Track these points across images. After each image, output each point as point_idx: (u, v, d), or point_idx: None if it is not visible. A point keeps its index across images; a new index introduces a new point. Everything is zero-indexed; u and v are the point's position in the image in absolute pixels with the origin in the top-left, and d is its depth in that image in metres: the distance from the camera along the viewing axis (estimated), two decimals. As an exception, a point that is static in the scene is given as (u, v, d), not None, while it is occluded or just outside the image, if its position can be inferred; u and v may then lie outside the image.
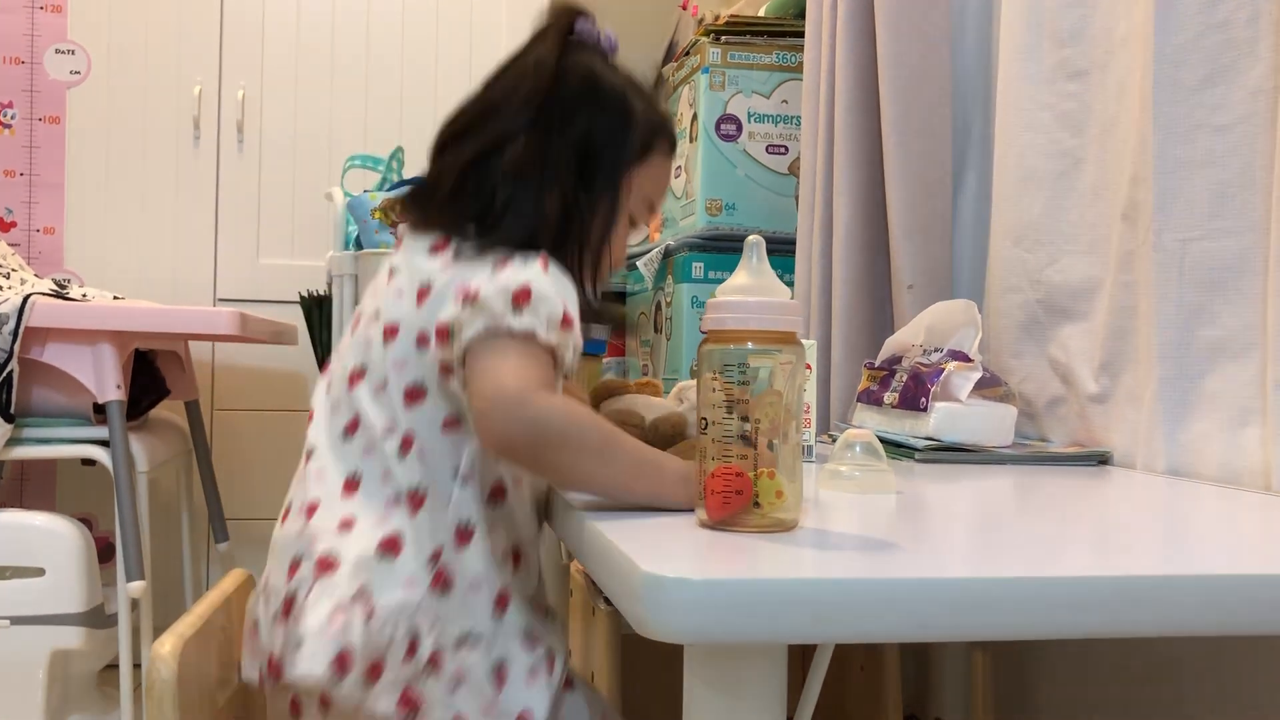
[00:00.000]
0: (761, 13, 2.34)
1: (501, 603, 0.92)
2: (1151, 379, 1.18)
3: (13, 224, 2.45)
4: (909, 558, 0.66)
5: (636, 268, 2.37)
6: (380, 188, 2.15)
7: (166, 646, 0.78)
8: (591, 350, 2.14)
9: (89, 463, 2.41)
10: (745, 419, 0.72)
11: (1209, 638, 1.04)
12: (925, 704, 1.32)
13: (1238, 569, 0.65)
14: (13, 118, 2.45)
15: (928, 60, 1.62)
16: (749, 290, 0.74)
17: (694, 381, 1.04)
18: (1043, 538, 0.77)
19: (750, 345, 0.73)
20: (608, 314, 1.08)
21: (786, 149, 2.18)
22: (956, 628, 0.60)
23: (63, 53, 2.47)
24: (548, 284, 0.86)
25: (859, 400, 1.46)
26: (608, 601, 1.23)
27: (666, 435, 0.95)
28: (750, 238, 0.76)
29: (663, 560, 0.59)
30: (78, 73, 2.48)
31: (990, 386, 1.31)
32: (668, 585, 0.56)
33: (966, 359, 1.31)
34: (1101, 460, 1.26)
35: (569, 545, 0.84)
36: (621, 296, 2.72)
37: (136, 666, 2.11)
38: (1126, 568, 0.65)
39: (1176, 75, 1.15)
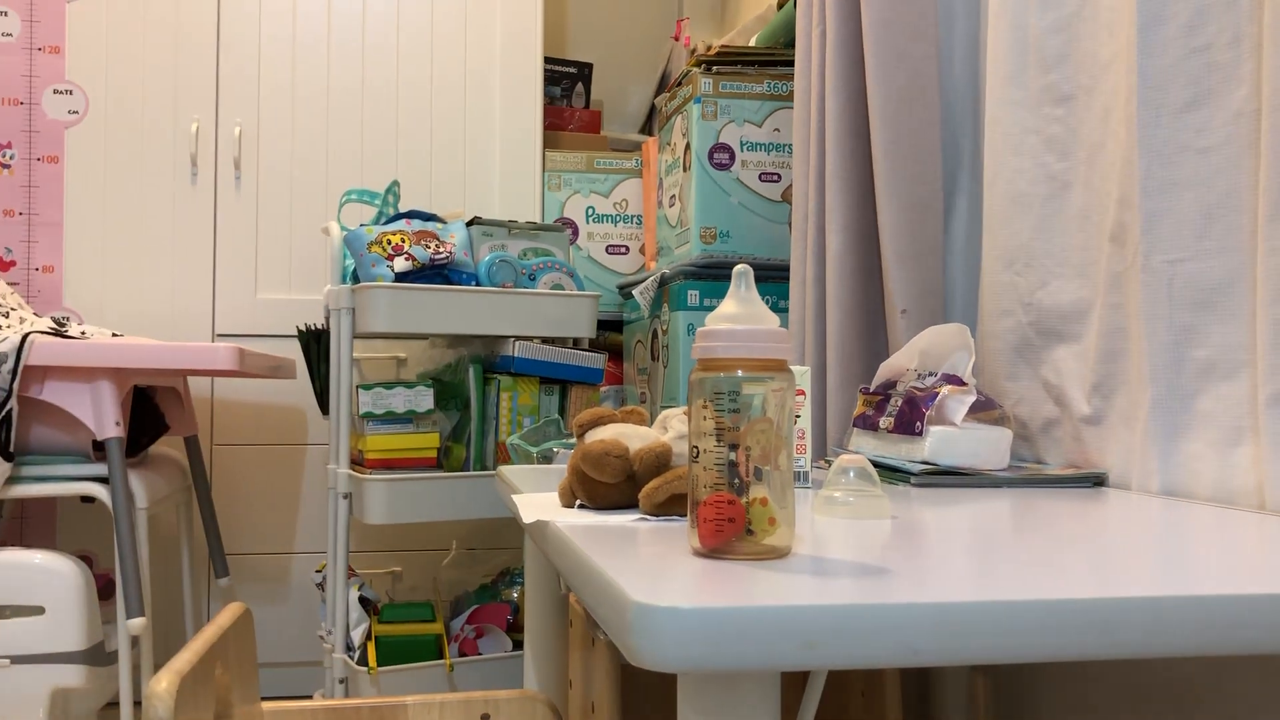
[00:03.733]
0: (752, 43, 2.37)
1: None
2: (1144, 400, 1.18)
3: (12, 263, 2.46)
4: (902, 582, 0.67)
5: (633, 296, 2.38)
6: (377, 221, 2.17)
7: (163, 683, 0.78)
8: (588, 378, 2.15)
9: (89, 500, 2.42)
10: (736, 446, 0.72)
11: (1209, 658, 1.04)
12: (927, 729, 1.32)
13: (1234, 589, 0.65)
14: (12, 158, 2.46)
15: (916, 86, 1.63)
16: (738, 319, 0.74)
17: (678, 410, 1.04)
18: (1038, 560, 0.77)
19: (740, 373, 0.73)
20: None
21: (779, 176, 2.20)
22: (950, 652, 0.60)
23: (61, 93, 2.49)
24: None
25: (854, 425, 1.46)
26: (606, 632, 1.23)
27: (651, 465, 0.95)
28: (738, 267, 0.76)
29: (654, 589, 0.60)
30: (76, 113, 2.50)
31: (985, 410, 1.32)
32: (659, 614, 0.56)
33: (961, 383, 1.32)
34: (1097, 482, 1.26)
35: (563, 575, 0.85)
36: (618, 325, 2.73)
37: (137, 704, 2.11)
38: (1122, 589, 0.65)
39: (1160, 98, 1.16)
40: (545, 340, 2.12)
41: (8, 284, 2.37)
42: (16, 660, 1.79)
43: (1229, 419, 1.11)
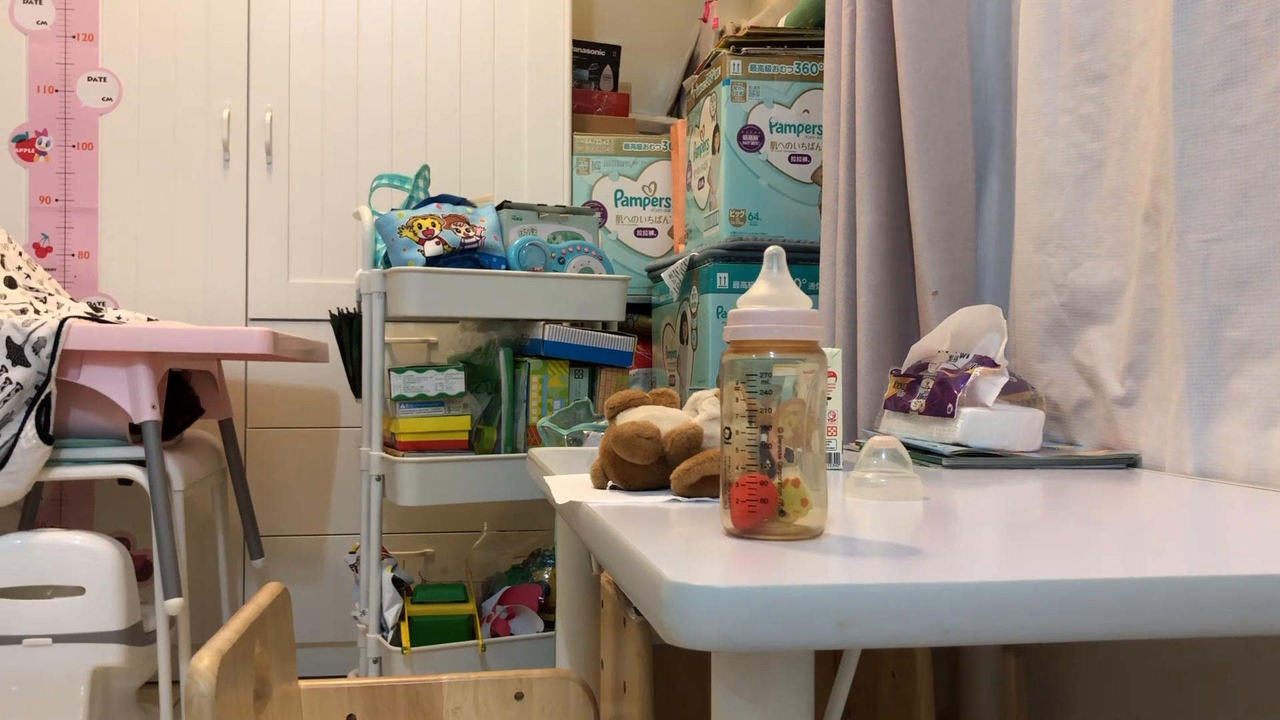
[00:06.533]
0: (781, 23, 2.35)
1: None
2: (1178, 381, 1.17)
3: (49, 249, 2.49)
4: (934, 562, 0.67)
5: (662, 279, 2.38)
6: (407, 206, 2.18)
7: (205, 661, 0.80)
8: (618, 361, 2.15)
9: (126, 482, 2.46)
10: (768, 428, 0.73)
11: (1243, 639, 1.04)
12: (958, 709, 1.32)
13: (1268, 569, 0.65)
14: (47, 145, 2.49)
15: (947, 66, 1.62)
16: (770, 300, 0.75)
17: (709, 392, 1.05)
18: (1070, 540, 0.77)
19: (772, 355, 0.73)
20: None
21: (809, 158, 2.19)
22: (982, 631, 0.60)
23: (95, 80, 2.52)
24: None
25: (886, 407, 1.46)
26: (638, 612, 1.24)
27: (682, 446, 0.95)
28: (770, 248, 0.77)
29: (689, 568, 0.60)
30: (109, 99, 2.52)
31: (1017, 391, 1.31)
32: (694, 593, 0.57)
33: (992, 364, 1.31)
34: (1129, 463, 1.26)
35: (596, 555, 0.85)
36: (647, 308, 2.73)
37: (175, 683, 2.14)
38: (1155, 569, 0.65)
39: (1196, 76, 1.15)
40: (575, 323, 2.12)
41: (45, 270, 2.40)
42: (58, 639, 1.82)
43: (1264, 400, 1.10)
